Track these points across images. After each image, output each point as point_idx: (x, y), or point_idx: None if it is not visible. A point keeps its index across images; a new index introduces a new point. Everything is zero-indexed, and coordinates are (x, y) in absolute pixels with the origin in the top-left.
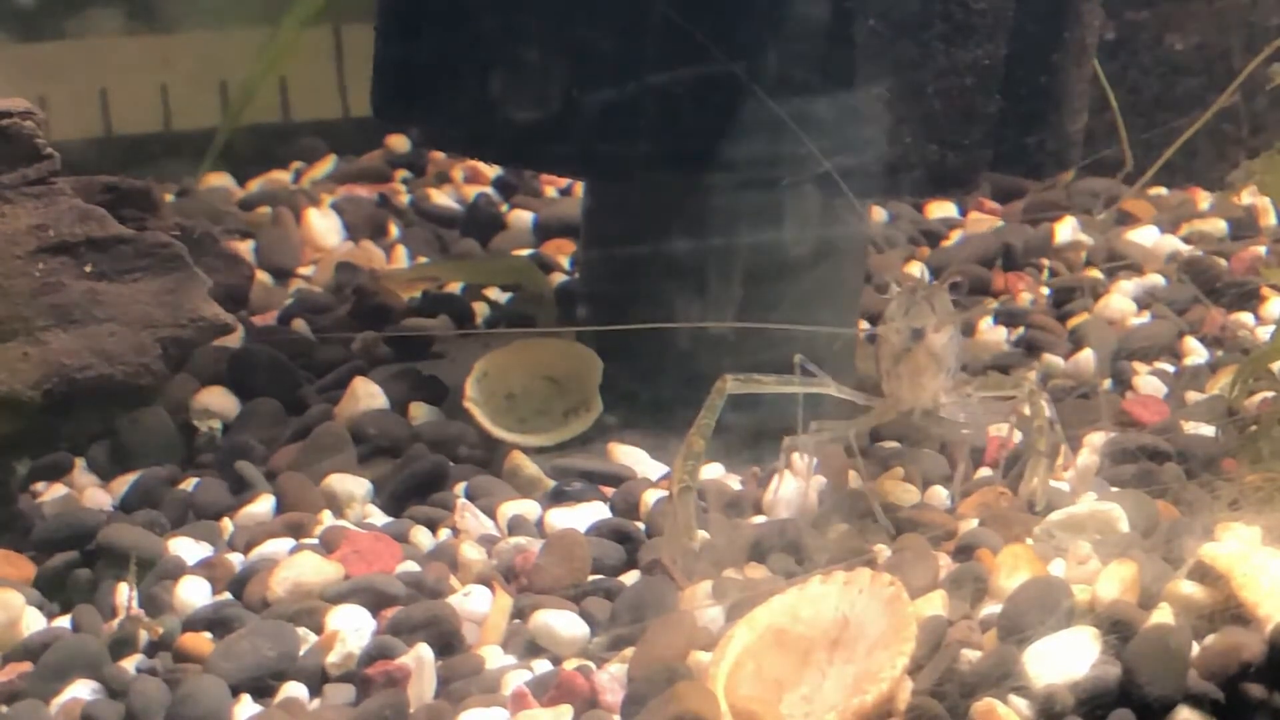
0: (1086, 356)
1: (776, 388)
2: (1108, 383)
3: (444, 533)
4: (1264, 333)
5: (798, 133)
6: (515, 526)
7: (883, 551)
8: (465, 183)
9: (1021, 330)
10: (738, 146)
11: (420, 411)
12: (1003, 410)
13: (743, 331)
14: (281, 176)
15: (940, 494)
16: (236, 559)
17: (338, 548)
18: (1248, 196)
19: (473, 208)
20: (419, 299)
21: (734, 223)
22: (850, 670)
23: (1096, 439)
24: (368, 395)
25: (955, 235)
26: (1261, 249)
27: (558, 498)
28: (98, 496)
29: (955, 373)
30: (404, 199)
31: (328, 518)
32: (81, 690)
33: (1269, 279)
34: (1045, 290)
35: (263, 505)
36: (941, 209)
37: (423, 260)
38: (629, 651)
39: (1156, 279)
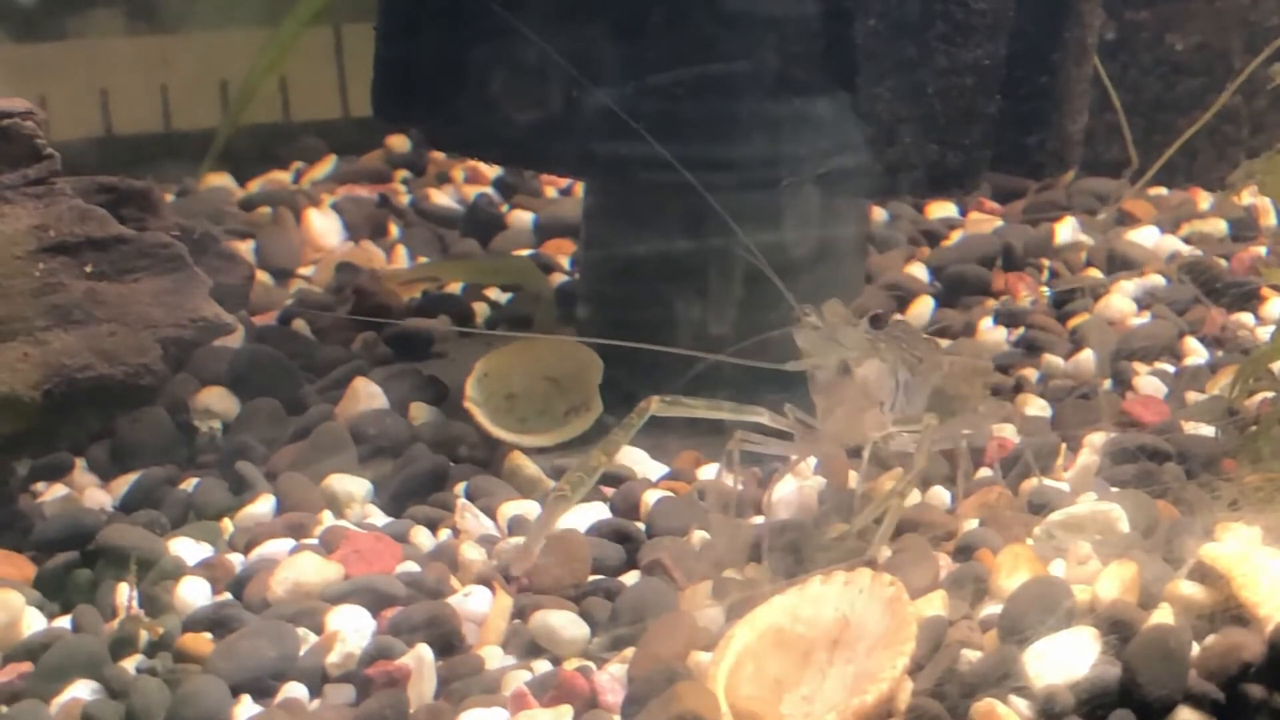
0: (1086, 356)
1: (705, 412)
2: (1108, 383)
3: (444, 533)
4: (1264, 333)
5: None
6: (515, 526)
7: (883, 551)
8: (465, 183)
9: (1021, 330)
10: (737, 147)
11: (420, 411)
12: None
13: (741, 331)
14: (281, 176)
15: (940, 494)
16: (236, 559)
17: (338, 548)
18: (1248, 197)
19: (473, 208)
20: (419, 299)
21: (733, 223)
22: (850, 670)
23: (1096, 439)
24: (368, 395)
25: (955, 235)
26: (1262, 249)
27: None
28: (98, 496)
29: (899, 405)
30: (404, 199)
31: (328, 518)
32: (81, 690)
33: (1269, 279)
34: (1045, 291)
35: (263, 505)
36: (941, 209)
37: (423, 260)
38: (629, 651)
39: (1157, 279)
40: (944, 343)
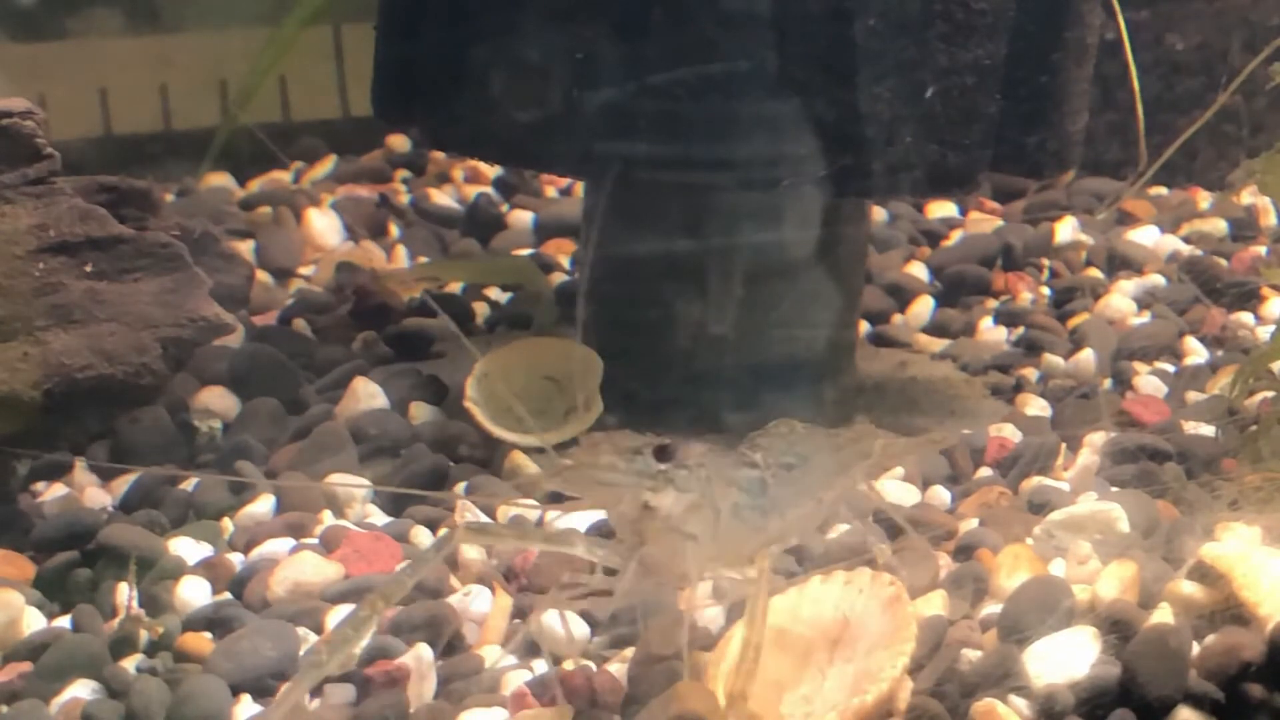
0: (1086, 356)
1: (514, 541)
2: (1108, 383)
3: (444, 532)
4: (1264, 333)
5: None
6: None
7: (883, 551)
8: (465, 183)
9: (1021, 330)
10: (737, 146)
11: (420, 411)
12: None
13: (741, 330)
14: (282, 176)
15: (941, 494)
16: (236, 559)
17: (338, 548)
18: (1248, 196)
19: (473, 208)
20: (419, 299)
21: (734, 223)
22: (850, 670)
23: (1096, 439)
24: (368, 395)
25: (955, 235)
26: (1261, 249)
27: (558, 498)
28: (98, 496)
29: (726, 536)
30: (404, 199)
31: (328, 518)
32: (81, 690)
33: (1269, 279)
34: (1046, 291)
35: (263, 505)
36: (941, 209)
37: (423, 260)
38: (629, 651)
39: (1157, 279)
40: (939, 344)
